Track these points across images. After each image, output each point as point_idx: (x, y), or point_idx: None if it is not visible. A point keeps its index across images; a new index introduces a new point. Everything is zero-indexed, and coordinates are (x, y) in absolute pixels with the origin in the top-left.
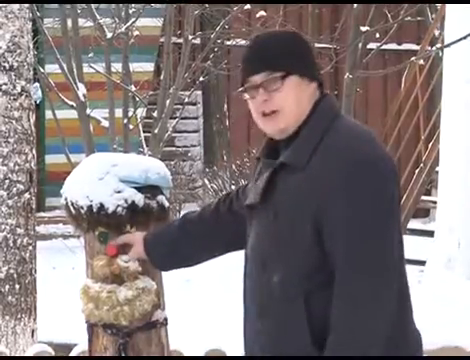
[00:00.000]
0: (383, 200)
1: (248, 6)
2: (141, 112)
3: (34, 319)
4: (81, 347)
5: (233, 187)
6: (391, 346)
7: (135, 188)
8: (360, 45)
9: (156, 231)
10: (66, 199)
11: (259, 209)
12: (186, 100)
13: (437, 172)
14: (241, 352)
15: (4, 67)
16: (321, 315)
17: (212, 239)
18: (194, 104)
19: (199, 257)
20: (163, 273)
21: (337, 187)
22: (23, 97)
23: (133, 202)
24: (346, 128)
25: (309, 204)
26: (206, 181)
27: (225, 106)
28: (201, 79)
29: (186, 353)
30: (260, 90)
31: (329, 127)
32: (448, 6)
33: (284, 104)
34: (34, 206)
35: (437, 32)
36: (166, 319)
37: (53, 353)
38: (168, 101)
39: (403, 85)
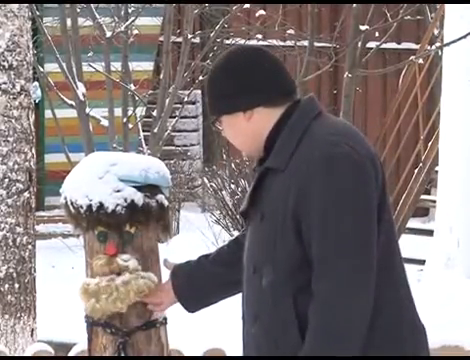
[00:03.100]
0: (357, 190)
1: (247, 5)
2: (140, 111)
3: (33, 318)
4: (80, 346)
5: (233, 186)
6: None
7: (134, 187)
8: (359, 44)
9: (182, 268)
10: (65, 198)
11: (250, 214)
12: (185, 99)
13: (436, 171)
14: (241, 352)
15: (3, 66)
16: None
17: (236, 263)
18: (193, 103)
19: (226, 291)
20: (162, 273)
21: (312, 181)
22: (22, 96)
23: (132, 201)
24: (323, 127)
25: (289, 203)
26: (205, 180)
27: None
28: (200, 78)
29: (185, 352)
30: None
31: (306, 130)
32: (447, 5)
33: (232, 139)
34: (33, 205)
35: (436, 31)
36: (166, 318)
37: (53, 352)
38: (167, 100)
39: (401, 83)
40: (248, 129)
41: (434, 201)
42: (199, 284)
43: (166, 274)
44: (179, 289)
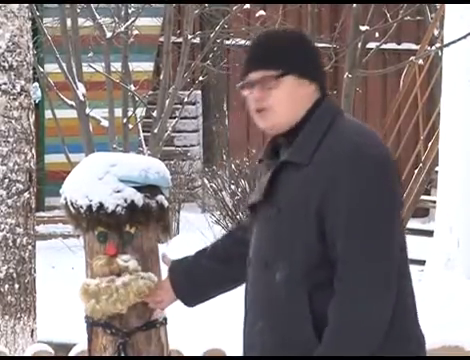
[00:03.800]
0: (384, 193)
1: (247, 5)
2: (140, 112)
3: (33, 319)
4: (80, 347)
5: (233, 187)
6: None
7: (134, 188)
8: (359, 44)
9: (178, 264)
10: (65, 199)
11: (262, 208)
12: (185, 100)
13: (436, 172)
14: (240, 352)
15: (4, 67)
16: (326, 312)
17: (231, 258)
18: (193, 104)
19: (224, 279)
20: (162, 273)
21: (339, 181)
22: (23, 97)
23: (132, 202)
24: (348, 125)
25: (313, 199)
26: (205, 181)
27: (224, 106)
28: (200, 79)
29: (185, 353)
30: (256, 87)
31: (331, 125)
32: (447, 6)
33: (276, 103)
34: (33, 206)
35: (436, 32)
36: (165, 319)
37: (53, 353)
38: (167, 101)
39: (402, 83)
40: (302, 101)
41: (434, 201)
42: (197, 280)
43: (165, 275)
44: (177, 286)
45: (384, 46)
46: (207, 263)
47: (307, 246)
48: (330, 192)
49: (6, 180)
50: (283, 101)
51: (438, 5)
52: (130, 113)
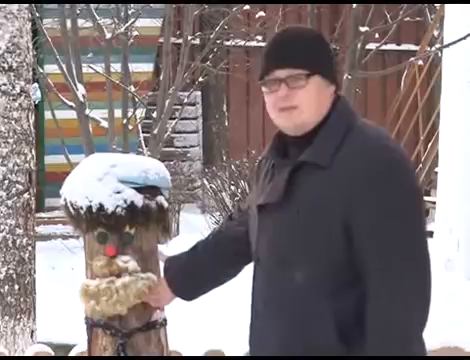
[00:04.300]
0: (413, 197)
1: (247, 6)
2: (140, 112)
3: (33, 319)
4: (80, 347)
5: (232, 187)
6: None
7: (134, 188)
8: (359, 45)
9: (172, 261)
10: (65, 199)
11: (276, 208)
12: (185, 100)
13: (436, 172)
14: (240, 352)
15: (3, 67)
16: (348, 313)
17: (224, 252)
18: (193, 104)
19: (219, 273)
20: (161, 274)
21: (368, 186)
22: (22, 97)
23: (132, 202)
24: (366, 128)
25: (337, 202)
26: (205, 181)
27: (224, 107)
28: (200, 79)
29: (185, 354)
30: (282, 85)
31: (350, 127)
32: (447, 6)
33: (304, 102)
34: (33, 206)
35: (436, 32)
36: (165, 320)
37: (52, 353)
38: (167, 101)
39: (402, 85)
40: (325, 101)
41: (434, 202)
42: (192, 276)
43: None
44: (174, 282)
45: (384, 47)
46: (201, 259)
47: (329, 248)
48: (359, 197)
49: (6, 181)
50: (311, 101)
51: (438, 6)
52: (130, 114)
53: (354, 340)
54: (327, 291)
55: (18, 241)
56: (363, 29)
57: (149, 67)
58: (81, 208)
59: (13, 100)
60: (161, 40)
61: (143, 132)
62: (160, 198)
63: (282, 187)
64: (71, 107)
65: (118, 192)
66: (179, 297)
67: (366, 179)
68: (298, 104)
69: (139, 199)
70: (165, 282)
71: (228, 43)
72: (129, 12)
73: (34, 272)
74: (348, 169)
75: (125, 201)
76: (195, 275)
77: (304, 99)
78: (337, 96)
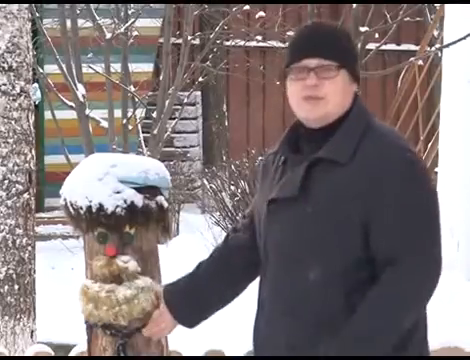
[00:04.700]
0: (433, 197)
1: (247, 7)
2: (140, 112)
3: (33, 319)
4: (80, 348)
5: (232, 187)
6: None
7: (134, 188)
8: (359, 45)
9: (173, 288)
10: (65, 200)
11: (291, 203)
12: (185, 100)
13: (436, 173)
14: (240, 352)
15: (3, 67)
16: None
17: (229, 268)
18: (193, 105)
19: (223, 294)
20: (161, 274)
21: (390, 185)
22: (22, 97)
23: (132, 203)
24: (383, 128)
25: (356, 200)
26: (205, 181)
27: (224, 106)
28: (200, 79)
29: (185, 354)
30: (311, 74)
31: (367, 125)
32: (447, 6)
33: (331, 93)
34: (33, 206)
35: (436, 32)
36: None
37: (52, 353)
38: (167, 102)
39: (399, 84)
40: (349, 97)
41: None
42: (196, 302)
43: (165, 275)
44: (176, 310)
45: (384, 47)
46: (204, 282)
47: (345, 246)
48: (380, 196)
49: (6, 181)
50: (337, 93)
51: (438, 6)
52: (130, 114)
53: None
54: (342, 290)
55: (18, 241)
56: (363, 29)
57: (149, 67)
58: (81, 208)
59: (13, 100)
60: (161, 40)
61: (143, 132)
62: (160, 198)
63: (298, 182)
64: (71, 107)
65: (118, 192)
66: (182, 324)
67: (388, 178)
68: (325, 95)
69: (139, 199)
70: (166, 310)
71: (228, 43)
72: (129, 12)
73: (34, 272)
74: (368, 167)
75: (125, 201)
76: (199, 300)
77: (331, 90)
78: (356, 94)
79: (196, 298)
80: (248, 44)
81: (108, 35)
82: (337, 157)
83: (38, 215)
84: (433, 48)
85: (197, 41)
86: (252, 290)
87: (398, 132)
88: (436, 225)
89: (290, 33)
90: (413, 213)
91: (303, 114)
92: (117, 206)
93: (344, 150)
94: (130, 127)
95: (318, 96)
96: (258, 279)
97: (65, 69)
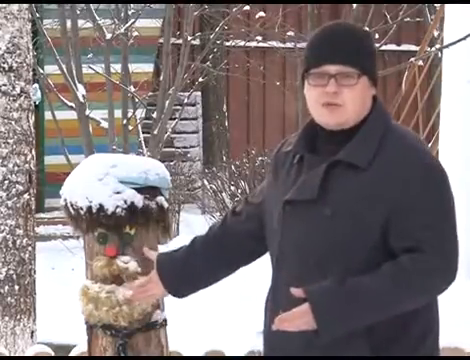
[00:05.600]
0: (453, 200)
1: (247, 7)
2: (140, 113)
3: (33, 320)
4: (80, 348)
5: (232, 188)
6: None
7: (134, 189)
8: None
9: (166, 257)
10: (65, 200)
11: (309, 205)
12: (185, 101)
13: None
14: (241, 352)
15: (3, 68)
16: (380, 322)
17: (224, 252)
18: (193, 105)
19: (216, 273)
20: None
21: (411, 190)
22: (22, 98)
23: (132, 203)
24: (403, 131)
25: (378, 204)
26: (205, 182)
27: (224, 107)
28: (200, 80)
29: (185, 354)
30: (331, 80)
31: (387, 129)
32: (447, 7)
33: (350, 101)
34: (33, 207)
35: (436, 33)
36: (165, 320)
37: (52, 354)
38: (167, 102)
39: (403, 86)
40: (367, 103)
41: None
42: (187, 273)
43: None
44: (167, 280)
45: (384, 47)
46: (199, 259)
47: (365, 249)
48: (400, 197)
49: (6, 181)
50: (356, 100)
51: (438, 6)
52: (130, 114)
53: (384, 350)
54: None
55: (18, 242)
56: None
57: (149, 67)
58: (81, 208)
59: (13, 101)
60: (161, 40)
61: (143, 132)
62: (160, 198)
63: (317, 184)
64: (71, 107)
65: (118, 192)
66: (171, 294)
67: (410, 182)
68: (343, 102)
69: (139, 199)
70: (158, 278)
71: (228, 43)
72: (129, 12)
73: (34, 273)
74: (390, 171)
75: (125, 201)
76: (192, 274)
77: (350, 98)
78: (374, 96)
79: (189, 273)
80: (248, 44)
81: (108, 35)
82: (357, 161)
83: (38, 216)
84: (433, 48)
85: (197, 41)
86: (252, 290)
87: (416, 134)
88: (455, 229)
89: (290, 33)
90: (435, 217)
91: (322, 120)
92: (117, 206)
93: (364, 154)
94: (130, 127)
95: (337, 103)
96: (265, 279)
97: (65, 69)
